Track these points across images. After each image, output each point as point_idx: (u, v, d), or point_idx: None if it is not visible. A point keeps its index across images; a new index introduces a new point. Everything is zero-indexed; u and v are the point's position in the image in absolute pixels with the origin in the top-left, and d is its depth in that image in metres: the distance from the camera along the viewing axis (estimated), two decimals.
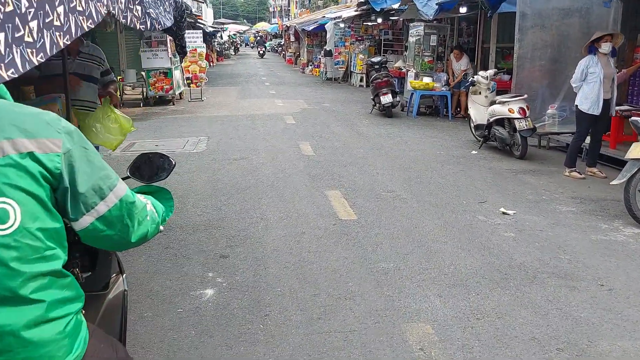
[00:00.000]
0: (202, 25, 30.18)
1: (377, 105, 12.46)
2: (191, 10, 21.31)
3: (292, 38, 34.99)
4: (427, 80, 12.10)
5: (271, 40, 63.47)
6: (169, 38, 14.11)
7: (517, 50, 8.45)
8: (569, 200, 5.96)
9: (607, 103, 6.75)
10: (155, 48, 14.43)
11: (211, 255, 4.49)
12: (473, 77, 9.18)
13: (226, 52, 44.53)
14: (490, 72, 9.08)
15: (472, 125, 9.22)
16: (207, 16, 53.58)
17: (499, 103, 8.07)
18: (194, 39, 15.45)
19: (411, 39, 13.52)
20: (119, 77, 14.68)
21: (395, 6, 14.44)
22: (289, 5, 70.89)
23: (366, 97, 16.28)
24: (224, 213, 5.56)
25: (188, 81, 15.50)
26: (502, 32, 12.79)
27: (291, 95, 17.10)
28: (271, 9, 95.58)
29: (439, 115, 12.47)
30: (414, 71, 12.91)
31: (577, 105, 6.88)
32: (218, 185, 6.62)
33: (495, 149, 8.58)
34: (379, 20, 20.04)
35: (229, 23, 52.16)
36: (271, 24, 70.35)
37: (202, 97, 15.65)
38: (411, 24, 13.62)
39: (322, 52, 22.94)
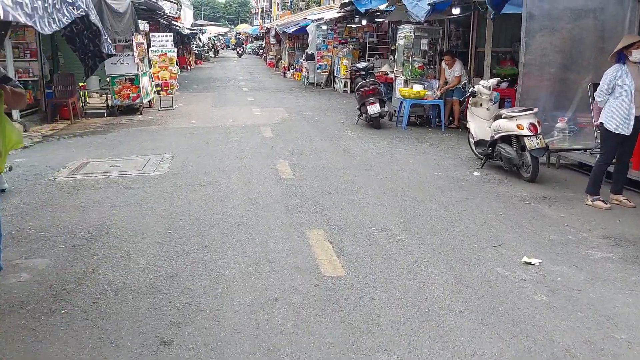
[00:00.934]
0: (177, 27, 28.89)
1: (364, 115, 11.37)
2: (164, 11, 20.09)
3: (273, 40, 33.82)
4: (417, 87, 11.03)
5: (252, 42, 62.32)
6: (135, 42, 12.92)
7: (524, 55, 7.42)
8: (602, 242, 4.91)
9: (638, 120, 5.72)
10: (120, 52, 13.16)
11: (150, 340, 3.32)
12: (473, 87, 8.11)
13: (205, 54, 43.21)
14: (493, 81, 8.03)
15: (471, 140, 8.17)
16: (187, 18, 52.19)
17: (506, 117, 7.01)
18: (163, 42, 14.22)
19: (399, 43, 12.45)
20: (80, 84, 13.41)
21: (383, 7, 13.37)
22: (270, 7, 69.78)
23: (351, 104, 15.19)
24: (177, 266, 4.39)
25: (158, 88, 14.28)
26: (498, 35, 11.82)
27: (270, 102, 15.94)
28: (253, 11, 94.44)
29: (430, 126, 11.41)
30: (403, 78, 11.85)
31: (602, 123, 5.84)
32: (175, 223, 5.44)
33: (499, 168, 7.53)
34: (364, 22, 19.01)
35: (208, 25, 50.80)
36: (252, 26, 69.19)
37: (173, 105, 14.41)
38: (399, 27, 12.56)
39: (304, 55, 21.83)
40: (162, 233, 5.16)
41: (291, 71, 26.19)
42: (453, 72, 11.03)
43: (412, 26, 11.49)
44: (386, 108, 11.36)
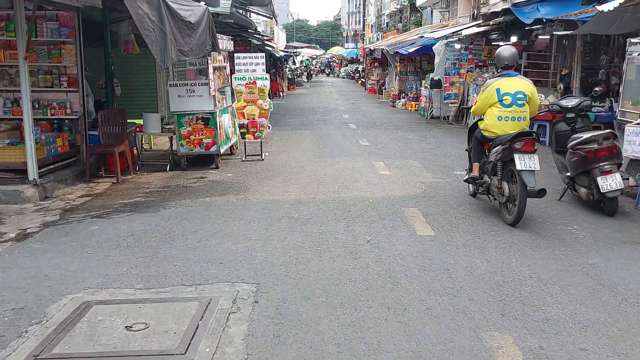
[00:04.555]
0: (270, 48, 25.37)
1: (584, 190, 6.52)
2: (255, 28, 16.35)
3: (376, 63, 29.58)
4: None
5: (346, 65, 58.83)
6: (210, 65, 8.92)
7: None
8: None
9: None
10: (191, 80, 9.25)
11: None
12: None
13: (298, 79, 39.81)
14: None
15: None
16: (280, 40, 49.62)
17: None
18: (251, 66, 10.18)
19: (630, 67, 7.54)
20: (135, 125, 9.64)
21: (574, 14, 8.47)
22: (363, 30, 66.27)
23: None
24: None
25: (242, 130, 10.21)
26: None
27: (394, 148, 11.41)
28: (344, 34, 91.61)
29: None
30: None
31: None
32: None
33: None
34: (514, 39, 14.23)
35: (303, 47, 47.69)
36: (346, 49, 65.98)
37: (262, 154, 10.27)
38: (631, 40, 7.61)
39: (428, 81, 17.19)
40: None
41: (402, 100, 21.66)
42: None
43: None
44: (631, 181, 6.45)
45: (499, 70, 6.51)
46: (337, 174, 8.84)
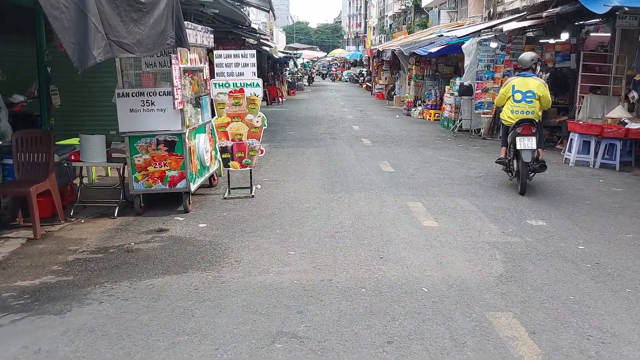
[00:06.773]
0: (268, 49, 22.63)
1: None
2: (249, 24, 13.56)
3: (386, 66, 26.85)
4: None
5: (349, 68, 56.15)
6: (176, 66, 6.17)
7: None
8: None
9: None
10: (149, 88, 6.46)
11: None
12: None
13: (299, 82, 37.03)
14: None
15: None
16: (279, 41, 46.96)
17: None
18: (238, 67, 7.38)
19: None
20: (70, 152, 6.86)
21: None
22: (365, 32, 63.78)
23: (583, 182, 7.49)
24: None
25: (225, 155, 7.42)
26: None
27: (427, 177, 8.59)
28: (345, 37, 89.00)
29: None
30: None
31: None
32: None
33: None
34: (564, 36, 11.56)
35: (304, 48, 44.96)
36: (348, 52, 63.39)
37: (253, 189, 7.50)
38: None
39: (454, 87, 14.44)
40: None
41: (419, 108, 18.90)
42: None
43: None
44: None
45: (518, 71, 7.99)
46: (360, 224, 6.05)
